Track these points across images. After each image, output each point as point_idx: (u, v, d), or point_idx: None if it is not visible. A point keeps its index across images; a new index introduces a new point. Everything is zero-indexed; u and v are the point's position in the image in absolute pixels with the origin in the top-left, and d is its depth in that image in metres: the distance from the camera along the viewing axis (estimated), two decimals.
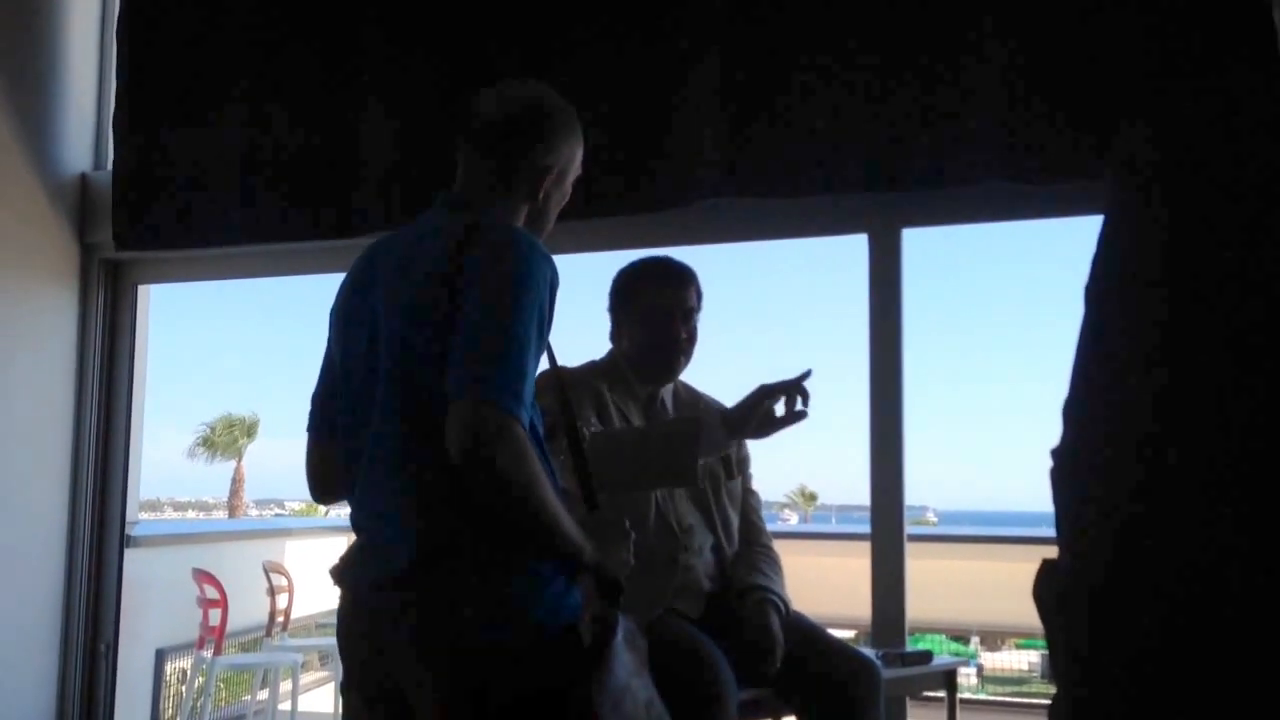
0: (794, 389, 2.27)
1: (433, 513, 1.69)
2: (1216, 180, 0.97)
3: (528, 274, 1.67)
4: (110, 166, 3.57)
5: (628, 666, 1.70)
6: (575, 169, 1.94)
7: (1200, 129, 1.01)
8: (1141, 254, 0.99)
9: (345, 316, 1.87)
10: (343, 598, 1.83)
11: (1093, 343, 1.01)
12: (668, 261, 2.59)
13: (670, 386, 2.60)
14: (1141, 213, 1.01)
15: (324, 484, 1.93)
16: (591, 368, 2.56)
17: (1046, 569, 1.03)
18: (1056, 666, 1.03)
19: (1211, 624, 0.91)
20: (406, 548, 1.68)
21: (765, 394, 2.28)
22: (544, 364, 1.79)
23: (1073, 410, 1.00)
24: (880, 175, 2.81)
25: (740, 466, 2.63)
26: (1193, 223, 0.97)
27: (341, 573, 1.81)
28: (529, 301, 1.65)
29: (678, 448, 2.25)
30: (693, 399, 2.64)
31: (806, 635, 2.42)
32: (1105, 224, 1.03)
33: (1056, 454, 1.01)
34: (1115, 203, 1.03)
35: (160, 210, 3.43)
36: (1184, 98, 1.03)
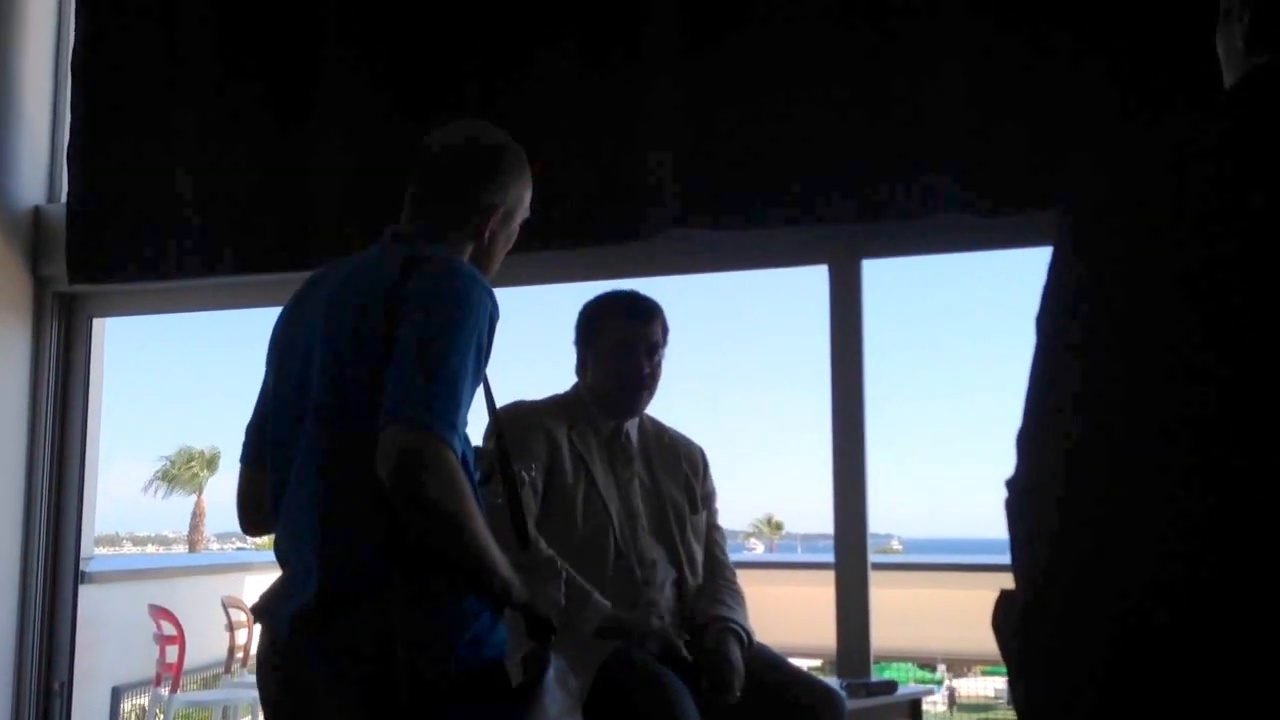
0: (671, 648, 2.28)
1: (355, 544, 1.67)
2: (1160, 212, 0.98)
3: (466, 303, 1.66)
4: (64, 199, 3.53)
5: (559, 704, 1.69)
6: (523, 210, 1.94)
7: (1144, 168, 1.02)
8: (1090, 286, 1.00)
9: (280, 347, 1.87)
10: (262, 634, 1.80)
11: (1044, 373, 1.02)
12: (633, 295, 2.59)
13: (636, 421, 2.59)
14: (1089, 247, 1.02)
15: (252, 515, 1.92)
16: (551, 403, 2.55)
17: (1004, 599, 1.03)
18: (1016, 695, 1.03)
19: (1167, 651, 0.92)
20: (325, 580, 1.66)
21: (648, 633, 2.28)
22: (481, 400, 1.77)
23: (1026, 440, 1.01)
24: (840, 207, 2.82)
25: (705, 501, 2.62)
26: (1138, 257, 0.98)
27: (262, 608, 1.78)
28: (467, 331, 1.64)
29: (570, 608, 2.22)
30: (658, 432, 2.63)
31: (770, 666, 2.41)
32: (1054, 257, 1.04)
33: (1011, 484, 1.02)
34: (1064, 236, 1.04)
35: (114, 243, 3.40)
36: (1128, 137, 1.04)
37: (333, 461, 1.69)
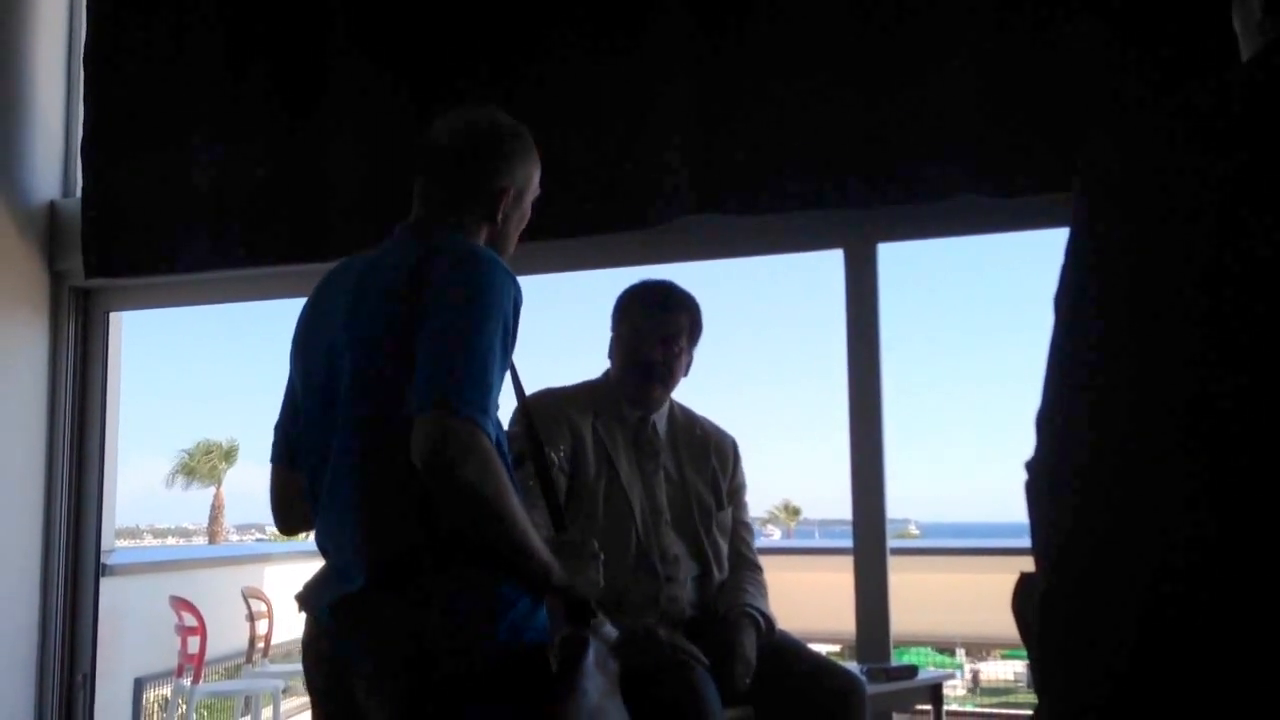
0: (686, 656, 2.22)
1: (393, 533, 1.68)
2: (1179, 191, 0.97)
3: (490, 288, 1.66)
4: (79, 194, 3.54)
5: (600, 688, 1.69)
6: (533, 190, 1.94)
7: (1162, 141, 1.01)
8: (1108, 264, 0.99)
9: (304, 344, 1.87)
10: (306, 622, 1.82)
11: (1063, 354, 1.01)
12: (663, 285, 2.54)
13: (665, 411, 2.53)
14: (1107, 224, 1.01)
15: (287, 513, 1.93)
16: (579, 390, 2.51)
17: (1024, 582, 1.03)
18: (1036, 678, 1.02)
19: (1187, 634, 0.91)
20: (365, 568, 1.67)
21: (661, 659, 2.19)
22: (508, 384, 1.78)
23: (1045, 421, 1.00)
24: (855, 192, 2.81)
25: (732, 496, 2.57)
26: (1156, 233, 0.97)
27: (305, 597, 1.80)
28: (492, 315, 1.64)
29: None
30: (690, 423, 2.58)
31: (790, 653, 2.40)
32: (1071, 236, 1.03)
33: (1030, 466, 1.01)
34: (1081, 215, 1.03)
35: (130, 237, 3.41)
36: (1146, 111, 1.03)
37: (368, 453, 1.70)
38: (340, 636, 1.70)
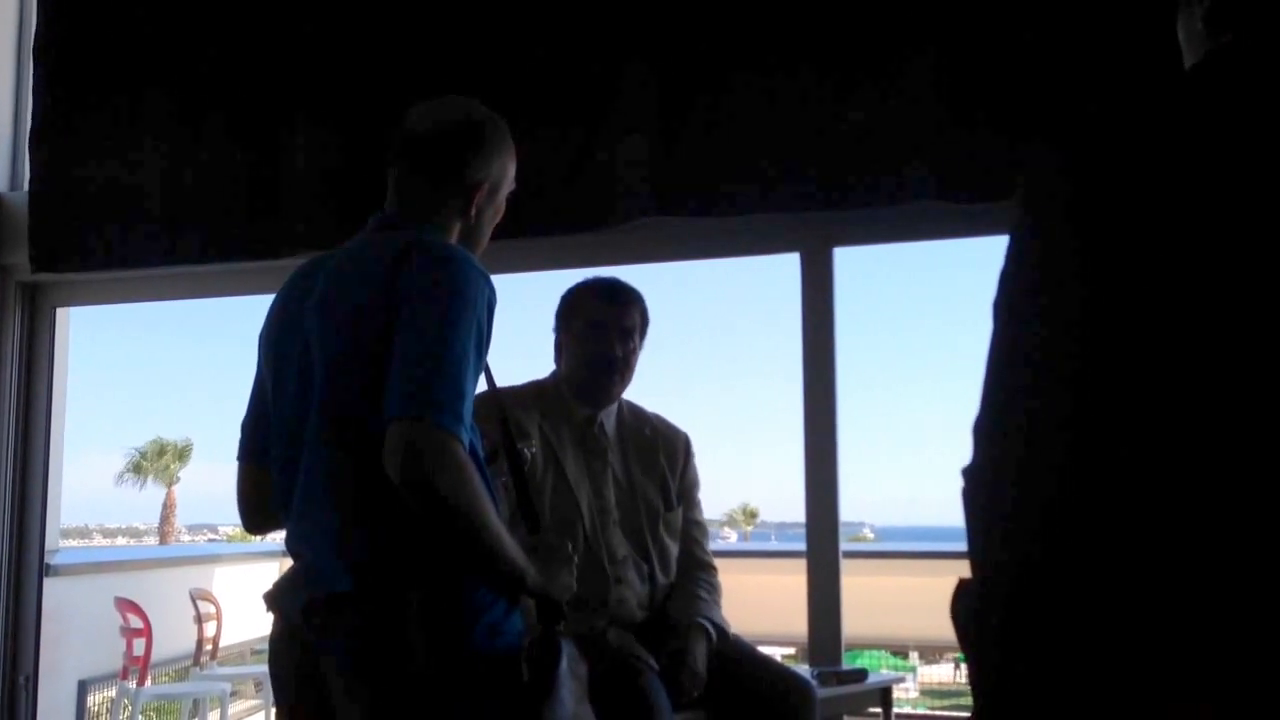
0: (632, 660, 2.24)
1: (367, 536, 1.66)
2: (1119, 197, 0.98)
3: (465, 292, 1.65)
4: (27, 187, 3.48)
5: (574, 693, 1.68)
6: (508, 183, 1.93)
7: (1105, 147, 1.02)
8: (1051, 275, 0.99)
9: (275, 340, 1.83)
10: (275, 623, 1.80)
11: (1001, 361, 1.01)
12: (614, 281, 2.54)
13: (612, 410, 2.53)
14: (1044, 231, 1.01)
15: (256, 512, 1.90)
16: (526, 390, 2.50)
17: (962, 588, 1.03)
18: (974, 682, 1.03)
19: (1121, 639, 0.92)
20: (340, 572, 1.65)
21: (610, 659, 2.21)
22: (482, 384, 1.76)
23: (982, 429, 1.00)
24: (812, 195, 2.82)
25: (681, 497, 2.55)
26: (1096, 239, 0.97)
27: (275, 598, 1.78)
28: (466, 320, 1.63)
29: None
30: (639, 423, 2.57)
31: (741, 656, 2.40)
32: (1014, 244, 1.03)
33: (967, 473, 1.01)
34: (1021, 220, 1.03)
35: (79, 231, 3.36)
36: (1086, 117, 1.03)
37: (343, 458, 1.68)
38: (314, 638, 1.68)
